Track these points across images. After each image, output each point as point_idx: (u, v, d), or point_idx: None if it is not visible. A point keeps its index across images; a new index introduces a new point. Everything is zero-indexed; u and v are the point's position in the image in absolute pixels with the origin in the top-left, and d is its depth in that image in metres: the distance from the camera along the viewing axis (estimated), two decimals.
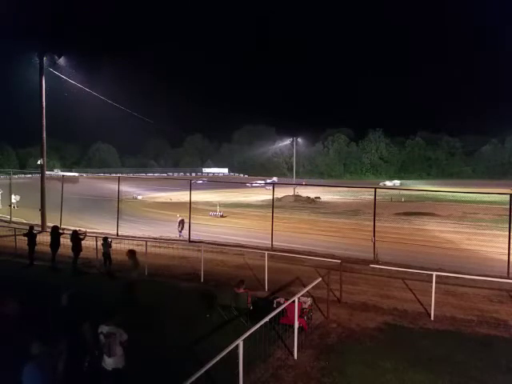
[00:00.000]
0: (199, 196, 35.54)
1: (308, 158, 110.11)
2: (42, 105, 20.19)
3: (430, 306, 8.97)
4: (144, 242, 13.51)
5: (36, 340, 4.85)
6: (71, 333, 5.82)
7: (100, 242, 13.66)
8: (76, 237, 13.18)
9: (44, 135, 20.53)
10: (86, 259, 13.90)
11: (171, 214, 27.94)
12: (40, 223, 20.68)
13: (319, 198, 48.49)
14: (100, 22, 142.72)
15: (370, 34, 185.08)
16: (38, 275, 12.77)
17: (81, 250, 13.06)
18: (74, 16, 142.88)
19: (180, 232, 21.24)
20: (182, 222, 21.48)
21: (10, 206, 27.36)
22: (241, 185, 59.57)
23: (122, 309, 6.54)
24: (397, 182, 78.57)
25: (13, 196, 31.06)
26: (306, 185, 53.22)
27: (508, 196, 12.47)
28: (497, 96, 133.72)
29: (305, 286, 8.61)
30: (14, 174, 45.96)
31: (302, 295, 8.07)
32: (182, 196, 34.99)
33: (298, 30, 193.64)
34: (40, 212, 20.92)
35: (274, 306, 8.19)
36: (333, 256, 13.19)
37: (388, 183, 75.60)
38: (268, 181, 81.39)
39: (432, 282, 8.93)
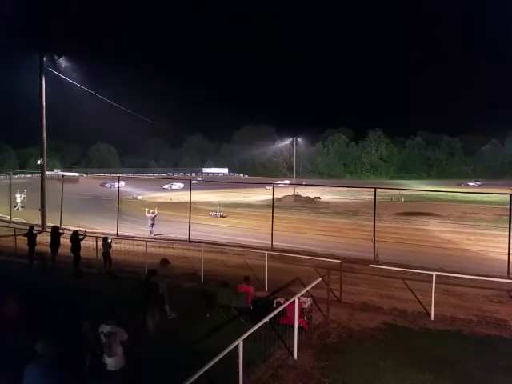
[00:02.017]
0: (199, 196, 35.53)
1: (308, 158, 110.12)
2: (42, 105, 20.17)
3: (430, 305, 8.98)
4: (144, 242, 13.52)
5: (36, 340, 4.85)
6: (71, 333, 5.82)
7: (100, 242, 13.67)
8: (76, 237, 13.17)
9: (44, 135, 20.52)
10: (85, 259, 13.89)
11: (171, 214, 28.00)
12: (40, 223, 20.69)
13: (319, 198, 48.48)
14: (100, 22, 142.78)
15: (370, 34, 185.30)
16: (38, 275, 12.77)
17: (79, 251, 13.06)
18: (74, 16, 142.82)
19: (151, 227, 20.09)
20: (154, 218, 20.34)
21: (14, 206, 27.35)
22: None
23: None
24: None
25: (18, 195, 30.97)
26: (306, 185, 53.26)
27: (508, 196, 12.48)
28: (497, 96, 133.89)
29: (305, 286, 8.61)
30: (14, 173, 45.91)
31: (302, 295, 8.06)
32: (181, 196, 35.04)
33: (298, 29, 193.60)
34: (40, 212, 20.93)
35: (274, 305, 8.20)
36: (333, 256, 13.19)
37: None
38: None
39: (432, 282, 8.94)
